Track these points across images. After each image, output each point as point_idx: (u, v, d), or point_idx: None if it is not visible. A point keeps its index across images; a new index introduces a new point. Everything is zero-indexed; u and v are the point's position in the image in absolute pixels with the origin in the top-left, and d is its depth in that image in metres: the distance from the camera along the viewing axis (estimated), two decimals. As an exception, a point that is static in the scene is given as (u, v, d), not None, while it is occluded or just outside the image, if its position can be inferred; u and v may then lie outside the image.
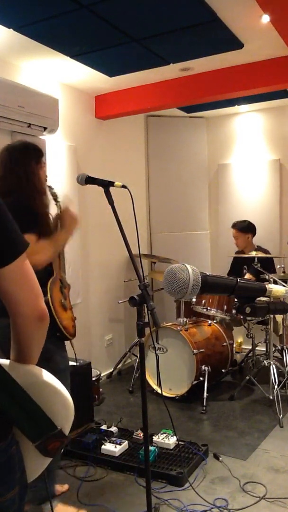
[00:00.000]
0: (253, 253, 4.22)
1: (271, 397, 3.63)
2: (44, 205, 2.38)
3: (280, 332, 4.19)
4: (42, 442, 1.07)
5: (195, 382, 3.81)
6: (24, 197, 2.30)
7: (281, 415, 3.44)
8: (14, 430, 1.09)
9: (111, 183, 2.08)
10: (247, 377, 3.93)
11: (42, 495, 2.38)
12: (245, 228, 4.57)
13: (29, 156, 2.38)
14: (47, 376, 1.14)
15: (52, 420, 1.09)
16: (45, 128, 3.47)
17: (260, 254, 4.22)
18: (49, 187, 2.48)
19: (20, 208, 2.20)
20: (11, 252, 1.04)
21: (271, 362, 3.74)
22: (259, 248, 4.59)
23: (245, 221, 4.61)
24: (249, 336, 4.21)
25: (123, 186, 2.12)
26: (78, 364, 3.40)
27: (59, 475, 2.75)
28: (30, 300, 1.06)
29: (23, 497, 1.13)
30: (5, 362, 1.12)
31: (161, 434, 3.09)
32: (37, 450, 1.08)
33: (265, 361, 3.81)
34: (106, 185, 2.09)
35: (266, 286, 1.81)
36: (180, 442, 3.03)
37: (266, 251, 4.53)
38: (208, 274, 1.61)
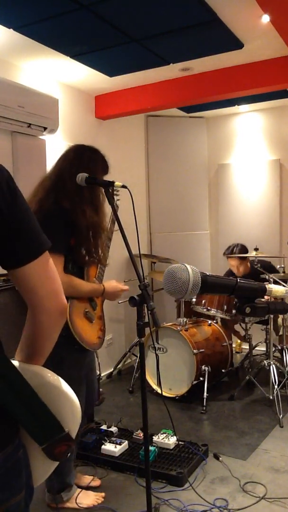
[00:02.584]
0: (253, 253, 4.21)
1: (271, 397, 3.63)
2: (102, 222, 2.26)
3: (280, 333, 4.19)
4: (49, 445, 1.06)
5: (195, 382, 3.81)
6: (81, 208, 2.18)
7: (281, 415, 3.44)
8: (21, 434, 1.08)
9: (111, 183, 2.08)
10: (247, 377, 3.93)
11: (59, 485, 2.45)
12: (245, 253, 4.25)
13: (98, 162, 2.28)
14: (55, 378, 1.13)
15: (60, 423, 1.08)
16: (45, 128, 3.47)
17: (260, 254, 4.21)
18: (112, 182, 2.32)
19: (49, 215, 2.11)
20: (32, 252, 1.07)
21: (271, 362, 3.74)
22: (260, 262, 4.14)
23: (237, 244, 4.30)
24: (246, 338, 4.19)
25: (123, 186, 2.12)
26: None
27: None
28: (54, 296, 1.09)
29: (29, 502, 1.12)
30: (14, 363, 1.12)
31: (161, 434, 3.09)
32: (44, 454, 1.08)
33: (265, 361, 3.81)
34: (106, 185, 2.09)
35: (266, 286, 1.81)
36: (180, 442, 3.03)
37: (266, 264, 4.23)
38: (208, 274, 1.61)
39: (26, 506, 1.10)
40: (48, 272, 1.09)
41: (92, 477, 2.74)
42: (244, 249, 4.29)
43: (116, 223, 2.38)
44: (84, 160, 2.27)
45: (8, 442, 1.03)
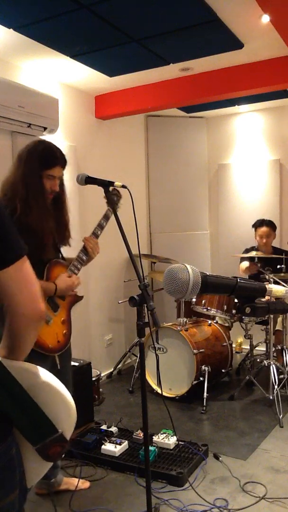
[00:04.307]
0: (253, 253, 4.21)
1: (271, 397, 3.63)
2: (38, 219, 2.18)
3: (278, 328, 4.18)
4: (43, 446, 1.06)
5: (195, 382, 3.81)
6: (13, 205, 2.15)
7: (281, 415, 3.44)
8: (14, 432, 1.08)
9: (111, 183, 2.08)
10: (247, 377, 3.93)
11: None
12: (275, 226, 4.46)
13: (34, 158, 2.23)
14: (48, 377, 1.13)
15: (53, 423, 1.08)
16: (45, 128, 3.47)
17: (260, 254, 4.21)
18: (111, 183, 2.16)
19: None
20: (9, 256, 1.07)
21: (271, 362, 3.74)
22: (276, 249, 4.47)
23: (264, 219, 4.47)
24: (247, 337, 4.20)
25: (123, 186, 2.12)
26: (78, 364, 3.40)
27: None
28: (30, 302, 1.10)
29: (23, 503, 1.12)
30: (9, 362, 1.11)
31: (161, 434, 3.09)
32: (38, 454, 1.08)
33: (265, 361, 3.81)
34: (106, 185, 2.09)
35: (266, 286, 1.82)
36: (180, 442, 3.03)
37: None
38: (208, 274, 1.61)
39: (20, 507, 1.10)
40: (25, 279, 1.10)
41: (77, 479, 2.69)
42: (272, 223, 4.43)
43: (105, 222, 2.38)
44: (22, 156, 2.27)
45: (0, 441, 1.03)
